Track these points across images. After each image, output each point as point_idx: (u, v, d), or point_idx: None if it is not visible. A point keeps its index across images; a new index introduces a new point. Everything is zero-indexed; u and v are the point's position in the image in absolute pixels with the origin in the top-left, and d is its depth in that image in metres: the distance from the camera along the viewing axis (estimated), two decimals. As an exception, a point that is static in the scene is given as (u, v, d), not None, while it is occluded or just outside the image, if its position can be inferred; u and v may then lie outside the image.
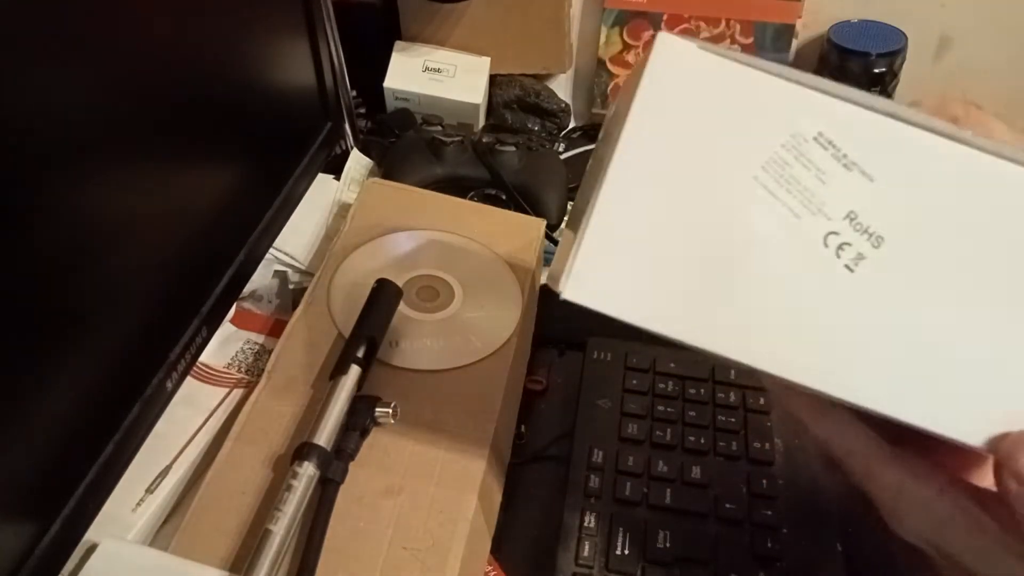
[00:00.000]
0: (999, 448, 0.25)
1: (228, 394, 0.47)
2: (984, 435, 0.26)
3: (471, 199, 0.59)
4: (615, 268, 0.26)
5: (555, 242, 0.59)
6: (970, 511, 0.26)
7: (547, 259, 0.60)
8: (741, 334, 0.26)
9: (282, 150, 0.55)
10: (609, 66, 0.75)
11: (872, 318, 0.25)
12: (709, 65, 0.25)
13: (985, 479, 0.27)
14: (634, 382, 0.49)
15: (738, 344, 0.26)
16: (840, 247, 0.25)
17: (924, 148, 0.25)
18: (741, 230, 0.25)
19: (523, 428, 0.49)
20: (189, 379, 0.45)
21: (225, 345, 0.50)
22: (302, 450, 0.37)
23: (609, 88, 0.75)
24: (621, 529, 0.42)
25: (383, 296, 0.44)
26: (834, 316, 0.25)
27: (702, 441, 0.46)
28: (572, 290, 0.26)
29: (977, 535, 0.26)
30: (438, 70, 0.71)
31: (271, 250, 0.55)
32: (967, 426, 0.26)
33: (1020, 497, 0.24)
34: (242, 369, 0.49)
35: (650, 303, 0.26)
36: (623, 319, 0.26)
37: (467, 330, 0.46)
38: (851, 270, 0.25)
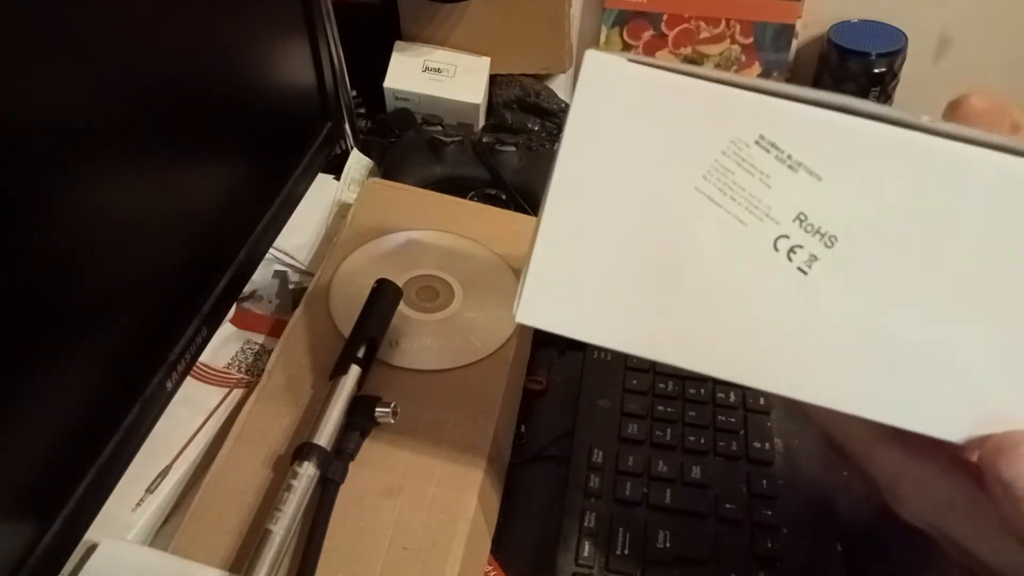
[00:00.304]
0: (982, 453, 0.25)
1: (228, 394, 0.47)
2: (959, 432, 0.25)
3: (471, 199, 0.59)
4: (563, 290, 0.26)
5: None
6: (971, 493, 0.26)
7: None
8: (695, 344, 0.26)
9: (282, 150, 0.55)
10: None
11: (831, 318, 0.25)
12: (640, 78, 0.24)
13: None
14: (634, 382, 0.49)
15: (693, 354, 0.26)
16: (792, 250, 0.25)
17: (873, 140, 0.24)
18: (687, 243, 0.25)
19: (523, 428, 0.49)
20: (189, 379, 0.45)
21: (225, 345, 0.50)
22: (302, 450, 0.37)
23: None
24: (621, 529, 0.42)
25: (383, 296, 0.44)
26: (792, 319, 0.25)
27: (702, 441, 0.46)
28: (523, 314, 0.27)
29: (978, 517, 0.26)
30: (438, 70, 0.71)
31: (271, 250, 0.55)
32: (938, 423, 0.25)
33: (1004, 497, 0.24)
34: (242, 369, 0.49)
35: (601, 321, 0.26)
36: (576, 338, 0.26)
37: (467, 330, 0.46)
38: (804, 272, 0.25)
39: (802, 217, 0.24)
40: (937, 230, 0.24)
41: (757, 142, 0.24)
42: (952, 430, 0.25)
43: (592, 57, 0.25)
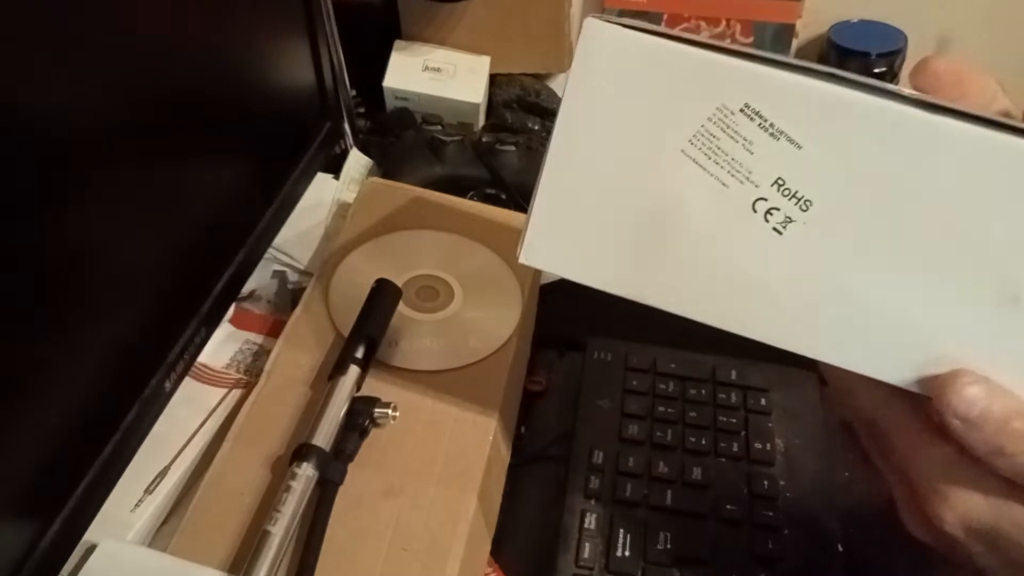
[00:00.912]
0: (932, 388, 0.26)
1: (227, 394, 0.47)
2: (915, 378, 0.27)
3: (471, 199, 0.59)
4: (561, 236, 0.29)
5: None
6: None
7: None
8: (678, 291, 0.28)
9: (281, 150, 0.55)
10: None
11: (799, 274, 0.27)
12: (637, 44, 0.26)
13: None
14: (634, 383, 0.49)
15: (675, 299, 0.28)
16: (768, 212, 0.27)
17: (850, 107, 0.25)
18: (674, 201, 0.27)
19: (523, 428, 0.49)
20: (188, 379, 0.45)
21: (224, 345, 0.50)
22: (301, 451, 0.37)
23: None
24: (621, 530, 0.42)
25: (382, 296, 0.44)
26: (763, 273, 0.27)
27: (703, 442, 0.46)
28: (525, 255, 0.29)
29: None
30: (438, 69, 0.71)
31: (270, 250, 0.54)
32: (895, 370, 0.27)
33: (966, 432, 0.25)
34: (241, 369, 0.49)
35: (594, 265, 0.29)
36: (572, 279, 0.29)
37: (467, 330, 0.46)
38: (780, 232, 0.27)
39: (780, 182, 0.26)
40: (902, 195, 0.26)
41: (742, 110, 0.26)
42: (900, 375, 0.27)
43: (591, 22, 0.26)
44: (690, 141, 0.26)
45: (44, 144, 0.31)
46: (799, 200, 0.26)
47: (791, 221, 0.27)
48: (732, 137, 0.26)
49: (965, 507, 0.26)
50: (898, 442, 0.28)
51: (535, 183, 0.29)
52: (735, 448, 0.46)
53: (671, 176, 0.27)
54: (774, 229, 0.27)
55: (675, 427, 0.47)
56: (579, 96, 0.27)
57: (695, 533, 0.42)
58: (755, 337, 0.28)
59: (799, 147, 0.26)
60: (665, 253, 0.28)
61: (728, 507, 0.43)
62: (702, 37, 0.26)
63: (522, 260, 0.29)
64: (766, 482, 0.44)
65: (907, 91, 0.25)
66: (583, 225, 0.29)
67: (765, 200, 0.26)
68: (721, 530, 0.43)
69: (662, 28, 0.26)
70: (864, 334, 0.27)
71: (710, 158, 0.26)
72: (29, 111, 0.30)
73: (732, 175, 0.26)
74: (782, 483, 0.45)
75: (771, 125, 0.26)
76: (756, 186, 0.26)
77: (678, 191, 0.27)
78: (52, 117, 0.32)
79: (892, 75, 0.69)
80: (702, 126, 0.26)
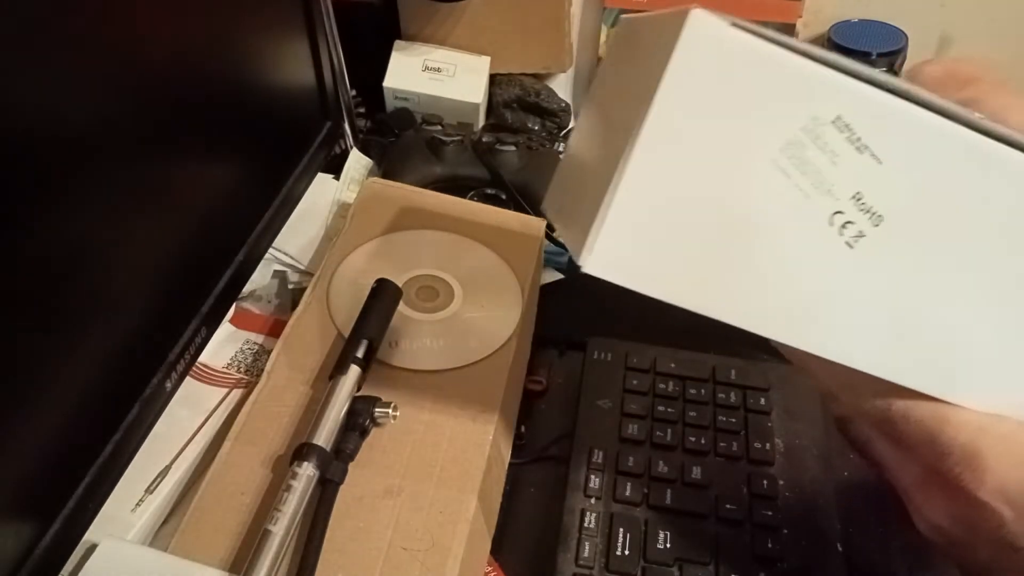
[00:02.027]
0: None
1: (227, 394, 0.47)
2: (961, 397, 0.28)
3: (471, 199, 0.59)
4: (635, 245, 0.26)
5: (555, 242, 0.59)
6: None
7: (547, 259, 0.60)
8: (747, 304, 0.27)
9: (281, 149, 0.55)
10: (609, 66, 0.74)
11: (863, 290, 0.27)
12: (740, 44, 0.25)
13: None
14: (634, 382, 0.49)
15: (743, 313, 0.27)
16: (844, 225, 0.26)
17: (928, 131, 0.26)
18: (755, 211, 0.26)
19: (523, 428, 0.49)
20: (188, 379, 0.45)
21: (224, 345, 0.50)
22: (301, 450, 0.37)
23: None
24: (621, 529, 0.42)
25: (383, 296, 0.44)
26: (831, 287, 0.27)
27: (702, 441, 0.46)
28: (592, 264, 0.26)
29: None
30: (438, 69, 0.71)
31: (270, 250, 0.55)
32: (936, 385, 0.28)
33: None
34: (241, 369, 0.49)
35: (665, 278, 0.27)
36: (638, 290, 0.27)
37: (467, 330, 0.46)
38: (851, 247, 0.27)
39: (858, 196, 0.26)
40: (967, 221, 0.27)
41: (833, 122, 0.26)
42: (944, 392, 0.28)
43: (696, 16, 0.25)
44: (781, 150, 0.26)
45: (44, 144, 0.31)
46: (872, 215, 0.26)
47: (862, 236, 0.26)
48: (820, 148, 0.26)
49: (1006, 474, 0.27)
50: (922, 415, 0.29)
51: (605, 185, 0.26)
52: (735, 448, 0.46)
53: (757, 185, 0.26)
54: (846, 243, 0.26)
55: (675, 427, 0.47)
56: (676, 91, 0.25)
57: (695, 533, 0.42)
58: (813, 351, 0.28)
59: (880, 162, 0.26)
60: (739, 265, 0.27)
61: (728, 507, 0.43)
62: (796, 41, 0.25)
63: (590, 269, 0.26)
64: (766, 482, 0.44)
65: (979, 117, 0.26)
66: (659, 234, 0.26)
67: (842, 213, 0.26)
68: (721, 530, 0.43)
69: (763, 29, 0.25)
70: (910, 350, 0.28)
71: (797, 168, 0.26)
72: (29, 111, 0.30)
73: (815, 186, 0.26)
74: (782, 483, 0.45)
75: (858, 139, 0.26)
76: (836, 199, 0.26)
77: (762, 201, 0.26)
78: (52, 117, 0.32)
79: (893, 75, 0.69)
80: (794, 134, 0.26)
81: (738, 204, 0.26)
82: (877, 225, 0.26)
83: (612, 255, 0.26)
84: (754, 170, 0.26)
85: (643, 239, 0.26)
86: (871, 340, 0.28)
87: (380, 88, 0.71)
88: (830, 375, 0.30)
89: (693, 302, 0.27)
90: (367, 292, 0.44)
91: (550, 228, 0.58)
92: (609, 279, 0.27)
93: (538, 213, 0.58)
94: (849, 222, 0.26)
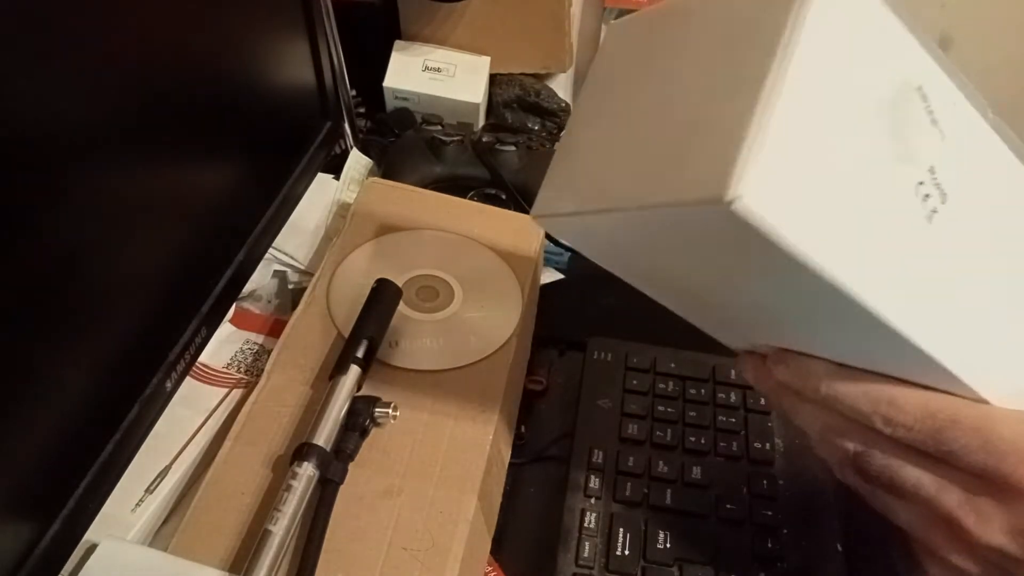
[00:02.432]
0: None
1: (227, 394, 0.47)
2: (980, 385, 0.27)
3: (471, 199, 0.59)
4: (785, 187, 0.22)
5: (555, 242, 0.59)
6: None
7: (547, 259, 0.60)
8: (866, 276, 0.24)
9: (281, 150, 0.55)
10: (609, 66, 0.74)
11: (938, 266, 0.26)
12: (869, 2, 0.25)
13: None
14: (634, 382, 0.49)
15: (865, 287, 0.24)
16: (925, 197, 0.26)
17: (981, 129, 0.27)
18: (865, 164, 0.25)
19: (523, 428, 0.49)
20: (188, 379, 0.45)
21: (224, 345, 0.50)
22: (301, 450, 0.37)
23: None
24: (621, 529, 0.42)
25: (383, 296, 0.44)
26: (916, 260, 0.26)
27: (702, 441, 0.46)
28: (751, 197, 0.21)
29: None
30: (438, 69, 0.71)
31: (270, 250, 0.55)
32: (969, 371, 0.27)
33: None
34: (241, 369, 0.49)
35: (811, 231, 0.23)
36: (789, 245, 0.22)
37: (467, 330, 0.46)
38: (929, 221, 0.26)
39: (933, 169, 0.26)
40: (1008, 217, 0.28)
41: (918, 89, 0.26)
42: (976, 381, 0.27)
43: None
44: (883, 105, 0.25)
45: (44, 144, 0.31)
46: (941, 192, 0.26)
47: (936, 212, 0.26)
48: (906, 113, 0.25)
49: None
50: (969, 415, 0.28)
51: (741, 112, 0.22)
52: (735, 448, 0.46)
53: (866, 136, 0.25)
54: (926, 216, 0.26)
55: (675, 427, 0.47)
56: (818, 32, 0.24)
57: (695, 533, 0.42)
58: (889, 319, 0.25)
59: (943, 138, 0.26)
60: (866, 227, 0.24)
61: (728, 507, 0.43)
62: (901, 9, 0.26)
63: (745, 202, 0.21)
64: (766, 482, 0.45)
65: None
66: (804, 178, 0.23)
67: (923, 184, 0.25)
68: (721, 530, 0.43)
69: None
70: (956, 333, 0.26)
71: (896, 127, 0.25)
72: (28, 111, 0.30)
73: (907, 150, 0.25)
74: (782, 483, 0.45)
75: (931, 112, 0.26)
76: (919, 167, 0.25)
77: (869, 153, 0.25)
78: (51, 117, 0.32)
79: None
80: (893, 95, 0.25)
81: (853, 155, 0.24)
82: (943, 203, 0.26)
83: (765, 191, 0.22)
84: (866, 122, 0.25)
85: (792, 182, 0.23)
86: (935, 323, 0.26)
87: (380, 88, 0.71)
88: (866, 393, 0.28)
89: (830, 267, 0.23)
90: (367, 292, 0.44)
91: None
92: (759, 221, 0.22)
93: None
94: (927, 194, 0.26)
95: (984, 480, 0.27)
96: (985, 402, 0.28)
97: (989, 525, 0.27)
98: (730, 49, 0.25)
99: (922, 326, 0.26)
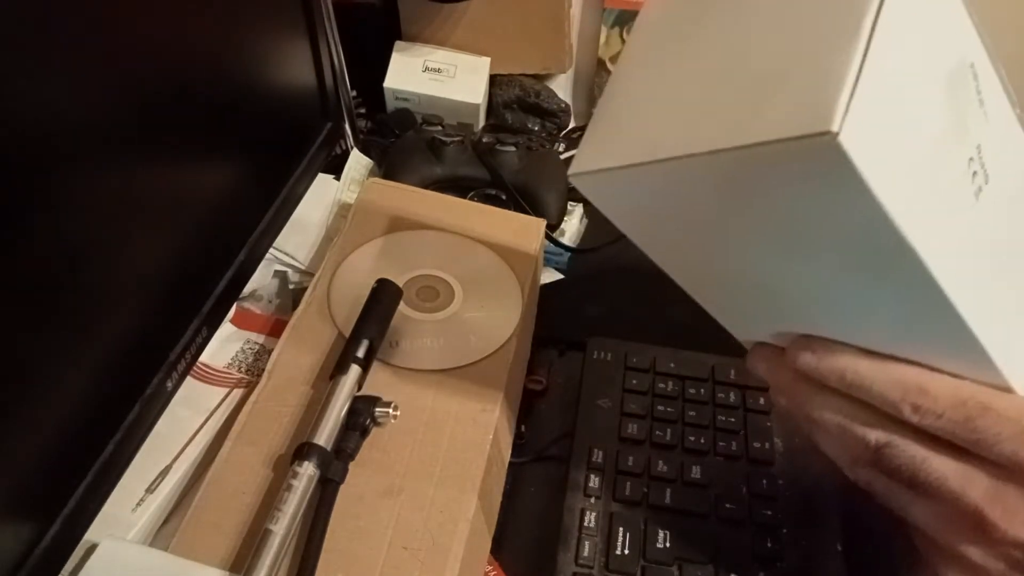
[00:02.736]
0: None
1: (228, 394, 0.47)
2: (1003, 361, 0.27)
3: (471, 199, 0.59)
4: (882, 132, 0.22)
5: (555, 242, 0.59)
6: None
7: (547, 259, 0.60)
8: (941, 246, 0.24)
9: (282, 150, 0.55)
10: (609, 66, 0.75)
11: (982, 246, 0.26)
12: None
13: None
14: (634, 382, 0.49)
15: (924, 241, 0.23)
16: (974, 174, 0.25)
17: (1011, 118, 0.27)
18: (936, 134, 0.24)
19: (523, 428, 0.49)
20: (189, 379, 0.45)
21: (225, 345, 0.50)
22: (302, 450, 0.37)
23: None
24: (621, 529, 0.42)
25: (383, 296, 0.44)
26: (967, 234, 0.25)
27: (702, 441, 0.46)
28: (851, 137, 0.21)
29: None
30: (438, 70, 0.71)
31: (271, 250, 0.55)
32: (996, 348, 0.26)
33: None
34: (242, 369, 0.49)
35: (898, 184, 0.22)
36: (880, 196, 0.22)
37: (467, 330, 0.46)
38: (976, 198, 0.25)
39: (979, 148, 0.26)
40: None
41: (971, 66, 0.26)
42: (1008, 369, 0.27)
43: None
44: (946, 79, 0.25)
45: (44, 144, 0.32)
46: (985, 172, 0.26)
47: (981, 191, 0.25)
48: (962, 89, 0.25)
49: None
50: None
51: (841, 55, 0.22)
52: (734, 447, 0.46)
53: (936, 106, 0.24)
54: (974, 193, 0.25)
55: (674, 426, 0.47)
56: (901, 2, 0.23)
57: (694, 532, 0.42)
58: (943, 284, 0.24)
59: (988, 121, 0.26)
60: (937, 197, 0.24)
61: (727, 506, 0.43)
62: None
63: (844, 137, 0.21)
64: (765, 481, 0.45)
65: None
66: (891, 126, 0.22)
67: (972, 160, 0.25)
68: (720, 529, 0.43)
69: None
70: (990, 311, 0.26)
71: (955, 101, 0.25)
72: (28, 111, 0.30)
73: (961, 127, 0.25)
74: (781, 482, 0.45)
75: (979, 92, 0.26)
76: (970, 145, 0.25)
77: (938, 122, 0.24)
78: (51, 117, 0.32)
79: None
80: (954, 68, 0.25)
81: (929, 123, 0.24)
82: (987, 183, 0.26)
83: (863, 133, 0.21)
84: (936, 94, 0.24)
85: (883, 129, 0.22)
86: (979, 303, 0.25)
87: (380, 88, 0.71)
88: (897, 379, 0.28)
89: (910, 230, 0.23)
90: (367, 292, 0.45)
91: (550, 228, 0.58)
92: (858, 165, 0.21)
93: (538, 213, 0.58)
94: (976, 171, 0.25)
95: (1012, 471, 0.26)
96: (1013, 391, 0.27)
97: (1016, 518, 0.27)
98: (811, 3, 0.25)
99: (971, 304, 0.25)
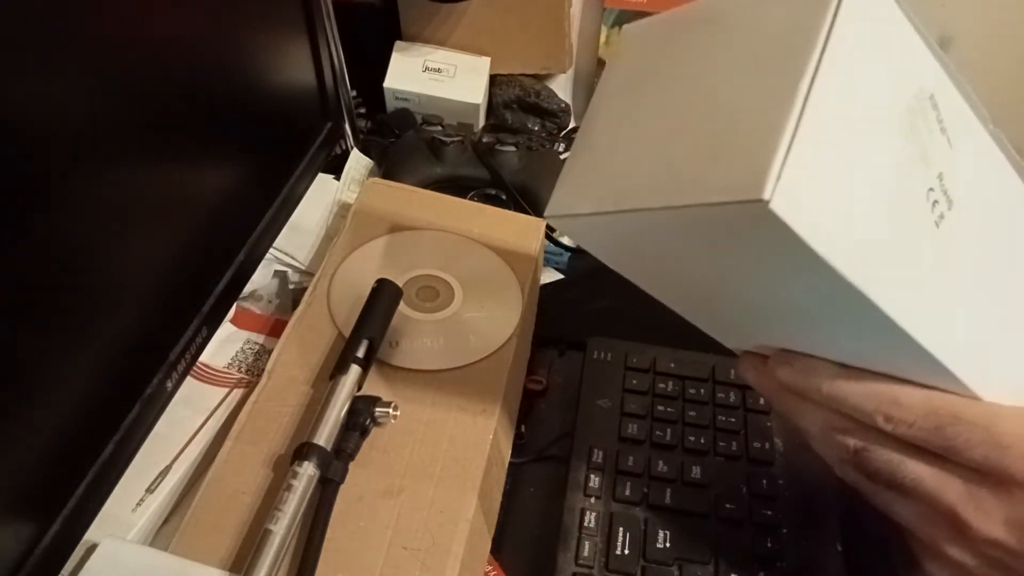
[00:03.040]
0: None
1: (228, 394, 0.47)
2: (975, 382, 0.28)
3: (471, 199, 0.59)
4: (817, 189, 0.23)
5: (555, 242, 0.59)
6: None
7: (547, 259, 0.60)
8: (893, 284, 0.25)
9: (282, 150, 0.55)
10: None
11: (942, 274, 0.27)
12: (887, 8, 0.26)
13: None
14: (634, 382, 0.50)
15: (865, 275, 0.24)
16: (934, 203, 0.26)
17: (984, 139, 0.28)
18: (887, 172, 0.25)
19: (523, 428, 0.49)
20: (189, 379, 0.45)
21: (225, 345, 0.50)
22: (302, 450, 0.38)
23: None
24: (621, 529, 0.42)
25: (383, 296, 0.44)
26: (925, 264, 0.26)
27: (702, 441, 0.46)
28: (783, 203, 0.21)
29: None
30: (438, 70, 0.71)
31: (271, 250, 0.55)
32: (964, 367, 0.27)
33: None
34: (242, 369, 0.49)
35: (839, 236, 0.23)
36: (820, 251, 0.23)
37: (467, 330, 0.46)
38: (936, 226, 0.26)
39: (941, 176, 0.26)
40: (1012, 227, 0.29)
41: (930, 98, 0.26)
42: (974, 382, 0.28)
43: None
44: (900, 113, 0.25)
45: (44, 144, 0.32)
46: (948, 198, 0.26)
47: (943, 218, 0.26)
48: (921, 120, 0.26)
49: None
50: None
51: (776, 114, 0.23)
52: (734, 447, 0.46)
53: (886, 142, 0.25)
54: (935, 221, 0.26)
55: (674, 426, 0.47)
56: (844, 48, 0.24)
57: (694, 532, 0.42)
58: (894, 316, 0.25)
59: (951, 148, 0.26)
60: (892, 237, 0.25)
61: (727, 506, 0.43)
62: (915, 19, 0.26)
63: (776, 206, 0.21)
64: (765, 481, 0.45)
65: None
66: (832, 185, 0.23)
67: (933, 190, 0.26)
68: (720, 529, 0.43)
69: None
70: (953, 332, 0.27)
71: (910, 133, 0.25)
72: (28, 111, 0.31)
73: (920, 157, 0.26)
74: (781, 483, 0.45)
75: (941, 120, 0.26)
76: (929, 174, 0.26)
77: (895, 163, 0.25)
78: (51, 117, 0.32)
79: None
80: (909, 101, 0.26)
81: (874, 160, 0.24)
82: (949, 209, 0.26)
83: (798, 197, 0.22)
84: (885, 126, 0.25)
85: (822, 187, 0.23)
86: (940, 327, 0.26)
87: (380, 89, 0.71)
88: (869, 392, 0.29)
89: (856, 274, 0.24)
90: (367, 292, 0.45)
91: (550, 228, 0.58)
92: (793, 225, 0.22)
93: (538, 213, 0.58)
94: (936, 200, 0.26)
95: (984, 474, 0.28)
96: (981, 400, 0.28)
97: (988, 517, 0.28)
98: (761, 56, 0.26)
99: (928, 329, 0.26)
